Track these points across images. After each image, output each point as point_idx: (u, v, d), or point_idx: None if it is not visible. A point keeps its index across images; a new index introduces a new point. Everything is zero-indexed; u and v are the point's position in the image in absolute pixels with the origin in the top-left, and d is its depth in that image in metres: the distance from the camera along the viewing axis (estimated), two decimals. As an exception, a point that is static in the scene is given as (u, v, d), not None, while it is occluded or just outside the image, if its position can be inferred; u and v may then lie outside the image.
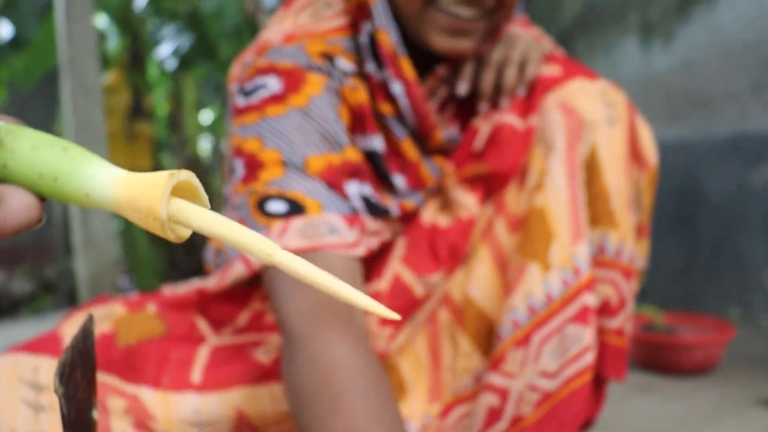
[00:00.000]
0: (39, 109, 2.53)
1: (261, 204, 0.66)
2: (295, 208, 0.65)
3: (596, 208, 0.73)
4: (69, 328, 0.75)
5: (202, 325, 0.80)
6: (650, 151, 0.77)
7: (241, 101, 0.71)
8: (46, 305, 2.09)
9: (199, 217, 0.30)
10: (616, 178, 0.73)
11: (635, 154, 0.76)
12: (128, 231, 2.25)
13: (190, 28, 2.15)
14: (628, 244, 0.74)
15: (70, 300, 2.17)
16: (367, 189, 0.73)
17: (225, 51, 2.18)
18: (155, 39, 2.33)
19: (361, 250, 0.68)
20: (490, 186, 0.78)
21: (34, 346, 0.73)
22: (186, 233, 0.32)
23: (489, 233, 0.77)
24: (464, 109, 0.82)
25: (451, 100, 0.81)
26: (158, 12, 2.24)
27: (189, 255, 2.39)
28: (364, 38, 0.73)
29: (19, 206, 0.30)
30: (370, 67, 0.74)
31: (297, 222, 0.65)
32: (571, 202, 0.71)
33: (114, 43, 2.42)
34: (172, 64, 2.20)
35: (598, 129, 0.73)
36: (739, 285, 1.59)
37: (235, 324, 0.81)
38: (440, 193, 0.81)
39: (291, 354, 0.61)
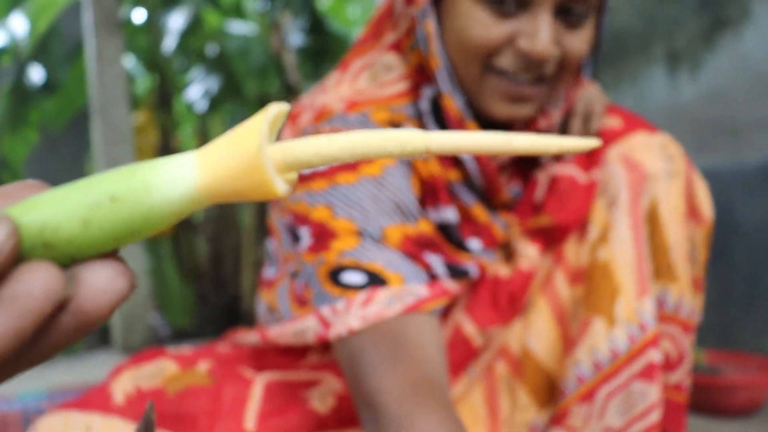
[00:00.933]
0: (69, 149, 2.57)
1: (334, 274, 0.64)
2: (376, 280, 0.63)
3: (656, 262, 0.73)
4: (119, 384, 0.75)
5: (253, 375, 0.80)
6: (706, 206, 0.77)
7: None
8: (78, 345, 2.10)
9: (314, 152, 0.26)
10: (675, 231, 0.73)
11: (692, 208, 0.76)
12: (158, 268, 2.27)
13: (217, 69, 2.18)
14: (687, 298, 0.74)
15: (102, 339, 2.19)
16: (440, 259, 0.72)
17: (250, 89, 2.21)
18: (182, 78, 2.37)
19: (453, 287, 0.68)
20: (550, 237, 0.78)
21: (85, 403, 0.74)
22: (293, 177, 0.28)
23: (548, 285, 0.77)
24: (526, 163, 0.82)
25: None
26: (185, 52, 2.28)
27: (218, 290, 2.40)
28: (425, 104, 0.72)
29: (103, 282, 0.25)
30: None
31: (383, 293, 0.63)
32: (636, 257, 0.71)
33: (142, 84, 2.46)
34: (202, 106, 2.24)
35: (658, 182, 0.73)
36: (778, 316, 1.57)
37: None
38: (503, 245, 0.81)
39: None
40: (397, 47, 0.76)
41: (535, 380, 0.76)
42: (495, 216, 0.79)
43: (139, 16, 2.29)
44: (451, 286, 0.72)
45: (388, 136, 0.26)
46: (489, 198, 0.77)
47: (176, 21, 2.16)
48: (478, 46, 0.66)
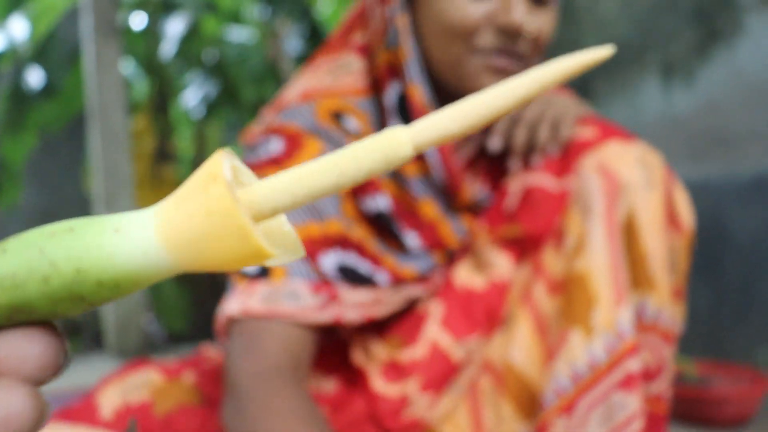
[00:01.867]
0: (67, 153, 2.58)
1: None
2: (263, 271, 0.68)
3: (635, 272, 0.73)
4: (106, 398, 0.76)
5: None
6: (686, 215, 0.77)
7: (247, 158, 0.75)
8: (72, 348, 2.11)
9: (291, 191, 0.22)
10: (654, 241, 0.73)
11: (671, 217, 0.76)
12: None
13: (215, 75, 2.20)
14: (667, 307, 0.74)
15: (96, 342, 2.19)
16: (351, 258, 0.73)
17: (248, 95, 2.22)
18: (180, 84, 2.38)
19: (324, 316, 0.69)
20: (524, 247, 0.78)
21: (72, 414, 0.74)
22: (286, 228, 0.24)
23: (528, 297, 0.77)
24: (495, 168, 0.83)
25: (482, 158, 0.82)
26: (183, 57, 2.29)
27: (214, 295, 2.41)
28: (391, 98, 0.74)
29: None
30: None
31: (261, 287, 0.67)
32: (612, 266, 0.71)
33: (140, 89, 2.47)
34: (199, 112, 2.25)
35: (635, 192, 0.73)
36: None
37: None
38: (472, 254, 0.81)
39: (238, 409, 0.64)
40: (363, 50, 0.80)
41: (517, 393, 0.76)
42: (452, 218, 0.79)
43: (138, 21, 2.30)
44: (355, 295, 0.72)
45: (367, 145, 0.22)
46: (449, 198, 0.78)
47: (175, 27, 2.16)
48: (459, 27, 0.70)
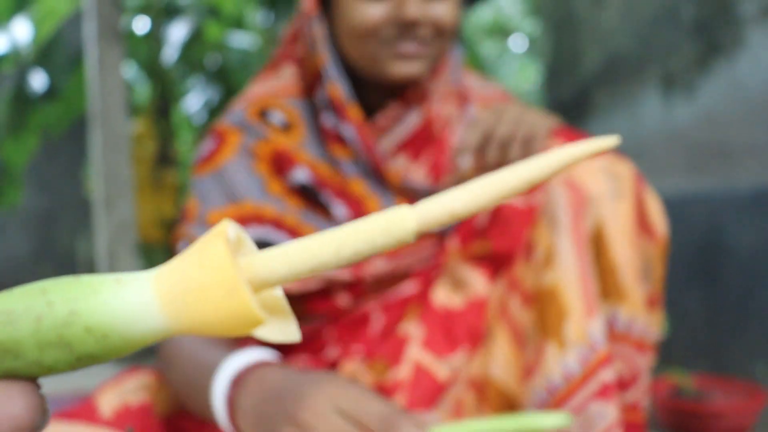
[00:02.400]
0: (68, 156, 2.59)
1: (177, 243, 0.81)
2: None
3: (605, 282, 0.74)
4: (104, 398, 0.76)
5: None
6: (659, 222, 0.77)
7: (195, 158, 0.85)
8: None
9: (291, 262, 0.22)
10: (623, 251, 0.73)
11: (643, 225, 0.76)
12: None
13: (217, 81, 2.20)
14: (640, 317, 0.74)
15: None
16: (266, 231, 0.80)
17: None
18: (182, 88, 2.39)
19: None
20: (497, 263, 0.79)
21: (72, 415, 0.75)
22: (280, 301, 0.25)
23: (505, 311, 0.78)
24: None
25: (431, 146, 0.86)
26: (185, 62, 2.30)
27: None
28: (321, 97, 0.83)
29: None
30: (328, 120, 0.82)
31: None
32: (581, 278, 0.71)
33: (142, 92, 2.48)
34: (200, 117, 2.25)
35: (603, 204, 0.73)
36: (765, 341, 1.57)
37: None
38: (448, 274, 0.82)
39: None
40: (298, 61, 0.88)
41: (499, 407, 0.76)
42: (385, 198, 0.83)
43: (141, 26, 2.31)
44: None
45: (373, 221, 0.23)
46: (378, 180, 0.83)
47: (177, 32, 2.17)
48: (363, 27, 0.78)
